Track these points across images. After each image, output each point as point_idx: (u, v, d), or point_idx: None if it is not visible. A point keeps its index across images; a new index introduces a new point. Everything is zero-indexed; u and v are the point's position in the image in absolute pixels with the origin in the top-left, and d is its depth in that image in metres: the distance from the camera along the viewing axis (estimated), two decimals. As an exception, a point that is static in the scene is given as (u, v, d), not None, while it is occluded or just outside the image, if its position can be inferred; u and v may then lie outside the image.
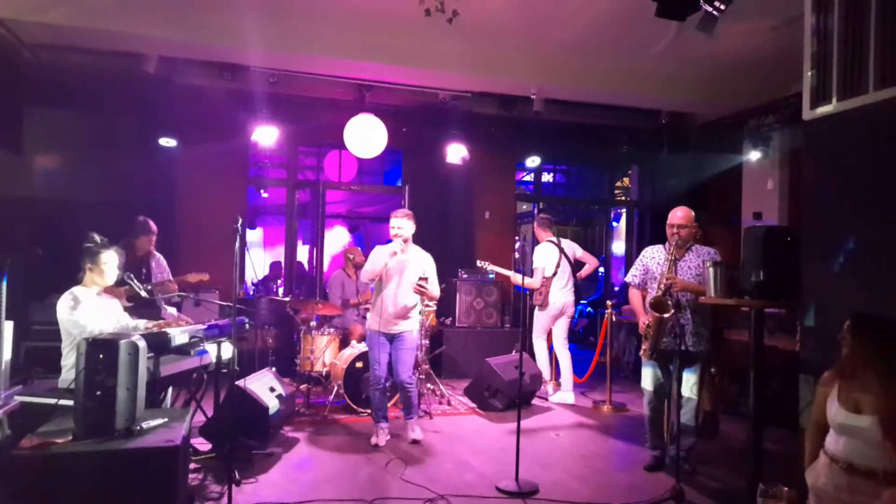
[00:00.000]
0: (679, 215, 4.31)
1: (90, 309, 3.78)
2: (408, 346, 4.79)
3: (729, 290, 3.81)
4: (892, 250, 3.19)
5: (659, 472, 4.31)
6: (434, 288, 4.87)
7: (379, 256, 4.79)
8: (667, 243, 4.38)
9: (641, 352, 4.44)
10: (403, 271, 4.76)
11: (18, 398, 3.43)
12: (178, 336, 3.61)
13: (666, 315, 4.09)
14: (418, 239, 4.97)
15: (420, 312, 5.16)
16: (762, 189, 7.39)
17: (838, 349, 2.67)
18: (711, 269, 3.86)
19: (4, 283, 2.97)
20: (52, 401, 3.30)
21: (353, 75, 6.65)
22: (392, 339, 4.79)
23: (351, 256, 6.86)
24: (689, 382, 4.23)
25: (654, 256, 4.47)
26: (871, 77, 3.17)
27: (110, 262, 3.91)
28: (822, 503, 2.56)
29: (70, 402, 3.08)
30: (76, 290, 3.83)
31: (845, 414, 2.53)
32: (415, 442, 4.81)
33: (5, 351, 3.19)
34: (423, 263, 4.85)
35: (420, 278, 4.69)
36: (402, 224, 4.76)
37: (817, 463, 2.64)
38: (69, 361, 3.70)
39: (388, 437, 4.87)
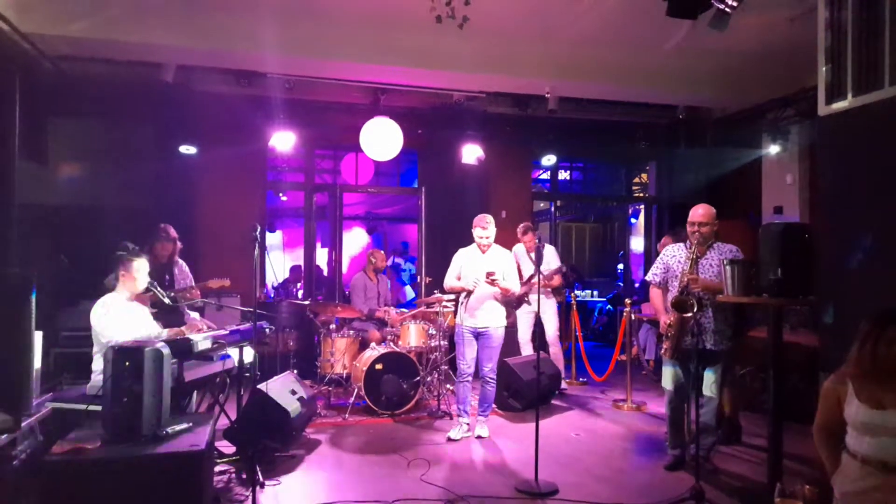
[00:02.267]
0: (700, 212, 4.28)
1: (122, 316, 3.88)
2: (492, 343, 5.01)
3: (746, 288, 3.78)
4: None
5: (679, 471, 4.30)
6: (510, 283, 5.01)
7: (463, 269, 5.07)
8: (687, 241, 4.36)
9: (662, 351, 4.42)
10: (484, 271, 4.91)
11: (49, 405, 3.54)
12: (201, 342, 3.69)
13: (688, 314, 4.07)
14: (438, 238, 5.04)
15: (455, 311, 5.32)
16: (782, 183, 7.30)
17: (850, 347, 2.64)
18: (728, 268, 3.84)
19: (34, 297, 3.07)
20: (82, 406, 3.41)
21: (367, 79, 6.71)
22: (478, 335, 4.99)
23: (374, 260, 6.91)
24: (709, 381, 4.22)
25: (675, 255, 4.44)
26: (887, 72, 3.14)
27: (142, 269, 4.02)
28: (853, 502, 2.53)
29: (98, 408, 3.18)
30: (109, 297, 3.94)
31: (870, 412, 2.48)
32: (479, 437, 5.02)
33: (36, 360, 3.28)
34: (502, 262, 5.05)
35: (487, 273, 4.84)
36: (490, 233, 5.01)
37: (844, 467, 2.58)
38: (98, 367, 3.80)
39: (467, 433, 5.06)
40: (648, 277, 4.63)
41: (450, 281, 5.16)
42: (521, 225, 6.82)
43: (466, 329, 5.04)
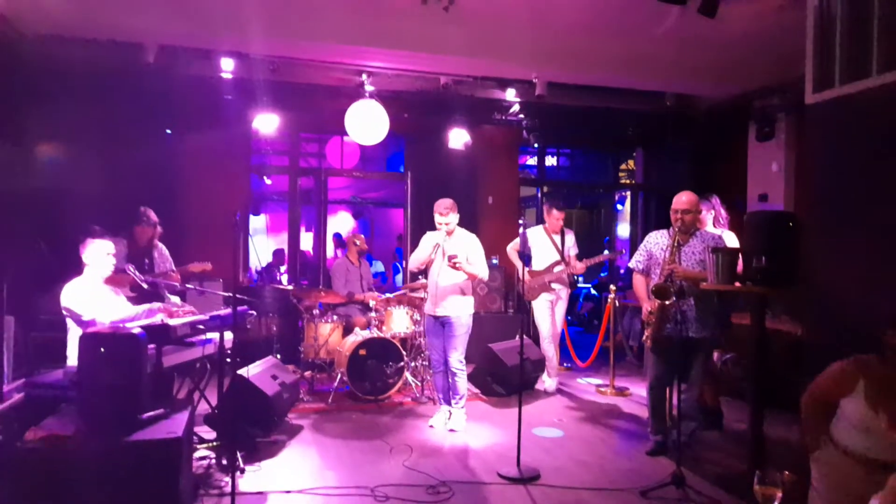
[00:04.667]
0: (683, 200, 4.27)
1: (93, 300, 3.81)
2: (455, 332, 4.86)
3: (730, 275, 3.78)
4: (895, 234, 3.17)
5: (661, 456, 4.33)
6: (476, 268, 4.85)
7: (425, 246, 4.92)
8: (671, 228, 4.35)
9: (644, 338, 4.43)
10: (446, 256, 4.79)
11: (23, 391, 3.47)
12: (180, 327, 3.63)
13: (668, 302, 4.08)
14: (424, 223, 4.99)
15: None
16: (767, 171, 7.32)
17: (876, 344, 2.54)
18: (713, 255, 3.83)
19: (4, 283, 3.00)
20: (56, 393, 3.34)
21: (353, 61, 6.60)
22: (443, 323, 4.89)
23: (357, 242, 6.86)
24: (691, 369, 4.23)
25: (657, 242, 4.44)
26: (875, 61, 3.13)
27: (107, 252, 3.94)
28: (832, 493, 2.53)
29: (74, 394, 3.12)
30: (78, 281, 3.87)
31: (869, 412, 2.47)
32: (451, 431, 4.86)
33: (7, 346, 3.21)
34: (466, 246, 4.91)
35: (448, 256, 4.72)
36: (450, 220, 4.86)
37: (828, 455, 2.57)
38: (73, 353, 3.74)
39: (447, 421, 4.96)
40: (631, 264, 4.63)
41: (413, 257, 5.02)
42: (546, 203, 6.56)
43: (431, 318, 4.96)
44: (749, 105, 7.23)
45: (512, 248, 6.46)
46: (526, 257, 6.38)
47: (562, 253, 6.22)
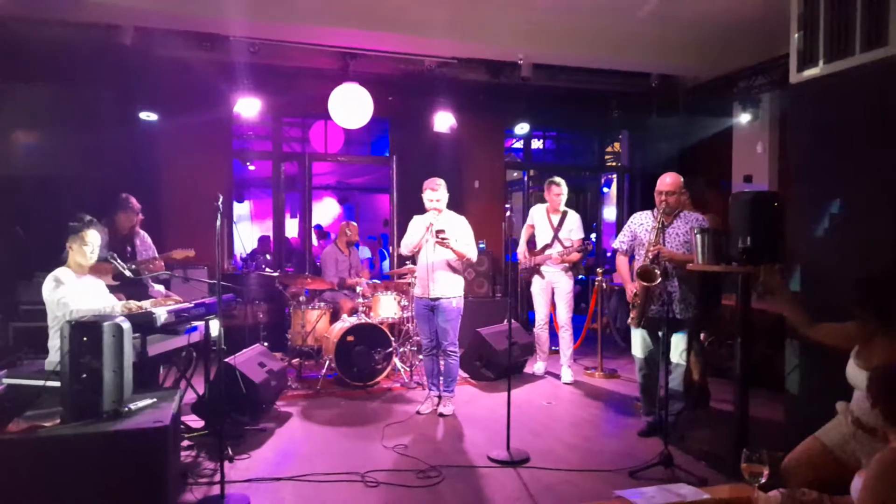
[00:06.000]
0: (667, 181, 4.28)
1: (74, 290, 3.74)
2: (448, 316, 4.81)
3: (716, 256, 3.80)
4: (877, 213, 3.19)
5: (653, 437, 4.35)
6: (464, 248, 4.77)
7: (416, 229, 4.87)
8: (655, 209, 4.36)
9: (630, 319, 4.45)
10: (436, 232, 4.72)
11: (5, 381, 3.42)
12: (164, 315, 3.58)
13: (653, 283, 4.10)
14: (410, 208, 4.94)
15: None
16: (752, 152, 7.35)
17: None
18: (698, 236, 3.85)
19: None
20: (39, 383, 3.29)
21: (336, 43, 6.50)
22: (433, 307, 4.83)
23: (348, 232, 6.81)
24: (677, 349, 4.26)
25: (641, 223, 4.45)
26: (858, 39, 3.13)
27: (93, 240, 3.86)
28: (836, 449, 2.66)
29: (57, 384, 3.07)
30: (60, 270, 3.79)
31: (856, 370, 2.65)
32: (441, 416, 4.85)
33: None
34: (456, 227, 4.85)
35: (437, 231, 4.64)
36: (441, 196, 4.80)
37: (839, 413, 2.75)
38: (55, 343, 3.67)
39: (435, 406, 4.95)
40: (615, 245, 4.64)
41: (405, 241, 4.95)
42: (548, 180, 6.04)
43: (420, 301, 4.91)
44: (734, 85, 7.23)
45: (525, 227, 6.21)
46: (512, 242, 6.35)
47: (556, 235, 5.94)
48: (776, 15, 4.15)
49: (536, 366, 6.26)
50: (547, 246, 6.00)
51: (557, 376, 6.14)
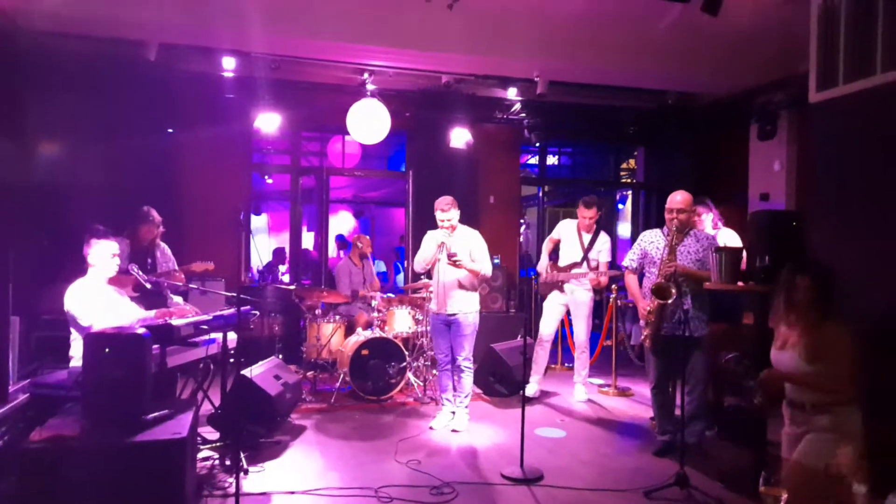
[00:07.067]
0: (678, 199, 4.27)
1: (96, 301, 3.80)
2: (463, 331, 4.83)
3: (734, 274, 3.79)
4: (899, 234, 3.16)
5: (668, 456, 4.31)
6: (479, 265, 4.80)
7: (429, 245, 4.90)
8: (664, 227, 4.35)
9: (643, 337, 4.43)
10: (448, 253, 4.75)
11: (28, 392, 3.47)
12: (184, 328, 3.62)
13: (668, 301, 4.08)
14: (426, 222, 4.97)
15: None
16: (769, 170, 7.30)
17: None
18: (716, 255, 3.84)
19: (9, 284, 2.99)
20: (61, 393, 3.34)
21: (355, 59, 6.59)
22: (449, 322, 4.86)
23: (360, 245, 6.85)
24: (693, 367, 4.23)
25: (652, 241, 4.45)
26: (879, 59, 3.12)
27: (112, 252, 3.93)
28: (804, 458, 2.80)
29: (78, 395, 3.12)
30: (81, 281, 3.86)
31: (775, 352, 2.93)
32: (454, 431, 4.84)
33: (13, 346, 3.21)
34: (470, 243, 4.88)
35: (449, 254, 4.68)
36: (451, 216, 4.83)
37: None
38: (76, 353, 3.73)
39: (450, 421, 4.95)
40: (626, 263, 4.63)
41: (418, 258, 4.97)
42: (584, 199, 5.89)
43: (437, 317, 4.93)
44: (751, 102, 7.20)
45: (547, 241, 6.12)
46: (525, 256, 6.35)
47: (585, 254, 5.82)
48: (796, 31, 4.15)
49: (529, 388, 5.79)
50: (576, 264, 5.82)
51: (571, 394, 6.09)
